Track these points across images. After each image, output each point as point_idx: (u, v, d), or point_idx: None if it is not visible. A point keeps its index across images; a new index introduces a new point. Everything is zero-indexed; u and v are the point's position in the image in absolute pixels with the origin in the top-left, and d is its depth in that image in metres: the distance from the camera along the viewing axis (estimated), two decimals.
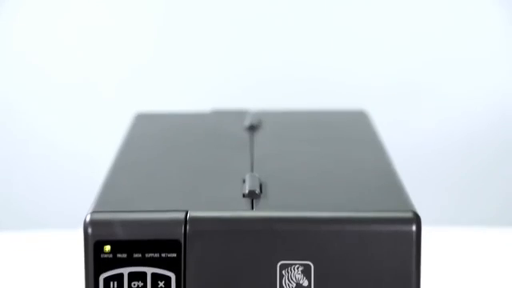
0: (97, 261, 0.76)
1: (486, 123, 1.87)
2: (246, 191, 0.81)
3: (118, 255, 0.76)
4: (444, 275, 1.30)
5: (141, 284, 0.76)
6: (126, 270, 0.76)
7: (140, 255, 0.76)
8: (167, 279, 0.76)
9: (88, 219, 0.76)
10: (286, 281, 0.76)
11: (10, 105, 1.87)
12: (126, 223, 0.76)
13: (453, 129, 1.87)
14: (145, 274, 0.76)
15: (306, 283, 0.76)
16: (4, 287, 1.28)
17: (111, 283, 0.76)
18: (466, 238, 1.44)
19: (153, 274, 0.76)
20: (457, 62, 1.84)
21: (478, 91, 1.86)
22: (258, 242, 0.76)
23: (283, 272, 0.76)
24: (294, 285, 0.76)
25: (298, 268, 0.76)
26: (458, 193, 1.89)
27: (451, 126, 1.88)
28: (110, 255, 0.76)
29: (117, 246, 0.76)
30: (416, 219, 0.76)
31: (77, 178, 1.86)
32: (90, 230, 0.76)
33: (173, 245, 0.76)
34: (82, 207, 0.83)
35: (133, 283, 0.76)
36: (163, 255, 0.76)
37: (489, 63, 1.84)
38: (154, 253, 0.76)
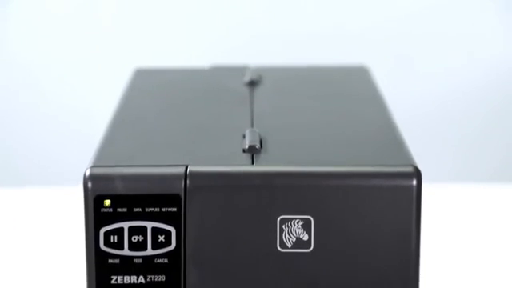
0: (97, 215, 0.76)
1: (486, 80, 1.87)
2: (246, 146, 0.81)
3: (118, 209, 0.76)
4: (444, 232, 1.30)
5: (141, 238, 0.76)
6: (126, 224, 0.76)
7: (140, 209, 0.76)
8: (167, 233, 0.76)
9: (88, 174, 0.76)
10: (286, 235, 0.76)
11: (9, 60, 1.86)
12: (125, 177, 0.76)
13: (454, 85, 1.87)
14: (145, 228, 0.76)
15: (306, 237, 0.76)
16: (5, 244, 1.29)
17: (111, 237, 0.76)
18: (466, 194, 1.45)
19: (153, 229, 0.76)
20: (459, 17, 1.83)
21: (480, 47, 1.85)
22: (258, 197, 0.76)
23: (283, 226, 0.76)
24: (294, 239, 0.77)
25: (297, 222, 0.76)
26: (458, 149, 1.89)
27: (452, 82, 1.87)
28: (110, 209, 0.76)
29: (117, 200, 0.76)
30: (416, 173, 0.76)
31: (76, 133, 1.86)
32: (89, 185, 0.76)
33: (173, 199, 0.76)
34: (83, 163, 0.83)
35: (133, 237, 0.76)
36: (163, 209, 0.76)
37: (491, 20, 1.83)
38: (154, 207, 0.76)
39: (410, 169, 0.76)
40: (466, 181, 1.67)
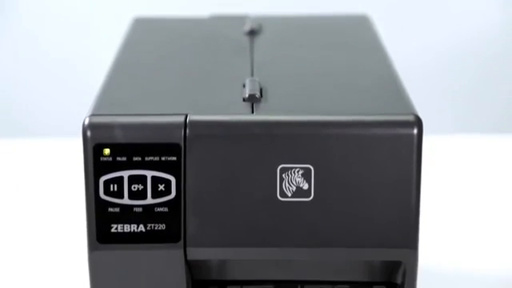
0: (96, 164, 0.75)
1: (486, 31, 1.85)
2: (246, 95, 0.81)
3: (118, 158, 0.75)
4: (444, 182, 1.30)
5: (141, 187, 0.76)
6: (125, 173, 0.76)
7: (140, 158, 0.75)
8: (167, 182, 0.76)
9: (87, 122, 0.76)
10: (286, 184, 0.76)
11: (8, 12, 1.84)
12: (125, 126, 0.75)
13: (454, 36, 1.86)
14: (145, 177, 0.76)
15: (306, 186, 0.76)
16: (6, 195, 1.29)
17: (111, 186, 0.76)
18: (466, 145, 1.45)
19: (153, 178, 0.76)
20: None
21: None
22: (258, 146, 0.76)
23: (283, 175, 0.76)
24: (294, 188, 0.76)
25: (298, 171, 0.76)
26: (458, 101, 1.88)
27: (453, 32, 1.86)
28: (110, 158, 0.75)
29: (116, 149, 0.75)
30: (417, 122, 0.75)
31: (75, 83, 1.85)
32: (89, 133, 0.75)
33: (172, 148, 0.75)
34: (82, 114, 0.82)
35: (133, 186, 0.76)
36: (163, 158, 0.76)
37: None
38: (154, 156, 0.76)
39: (410, 117, 0.76)
40: (466, 132, 1.67)
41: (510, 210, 1.24)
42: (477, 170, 1.36)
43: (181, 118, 0.76)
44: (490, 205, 1.25)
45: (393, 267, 0.80)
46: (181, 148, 0.75)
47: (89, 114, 0.77)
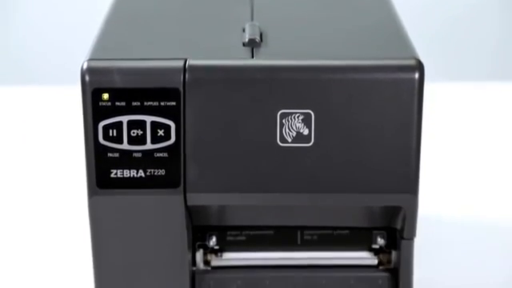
0: (95, 109, 0.75)
1: None
2: (246, 40, 0.80)
3: (117, 103, 0.75)
4: (444, 128, 1.30)
5: (140, 132, 0.75)
6: (125, 118, 0.75)
7: (139, 103, 0.75)
8: (167, 127, 0.75)
9: (85, 66, 0.75)
10: (287, 129, 0.76)
11: None
12: (123, 71, 0.75)
13: None
14: (144, 122, 0.75)
15: (306, 132, 0.76)
16: (6, 141, 1.29)
17: (110, 131, 0.75)
18: (466, 93, 1.44)
19: (152, 123, 0.75)
20: None
21: None
22: (258, 91, 0.75)
23: (283, 121, 0.76)
24: (295, 133, 0.76)
25: (298, 117, 0.76)
26: (458, 48, 1.87)
27: None
28: (109, 103, 0.75)
29: (115, 93, 0.75)
30: (419, 66, 0.75)
31: (74, 29, 1.84)
32: (87, 78, 0.75)
33: (172, 93, 0.75)
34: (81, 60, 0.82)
35: (132, 131, 0.75)
36: (162, 103, 0.75)
37: None
38: (153, 101, 0.75)
39: (412, 62, 0.75)
40: (465, 80, 1.66)
41: (510, 158, 1.24)
42: (475, 118, 1.35)
43: (180, 63, 0.75)
44: (489, 152, 1.25)
45: (393, 212, 0.80)
46: (180, 93, 0.75)
47: (87, 58, 0.76)
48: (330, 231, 0.82)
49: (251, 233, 0.82)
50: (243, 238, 0.82)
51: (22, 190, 1.15)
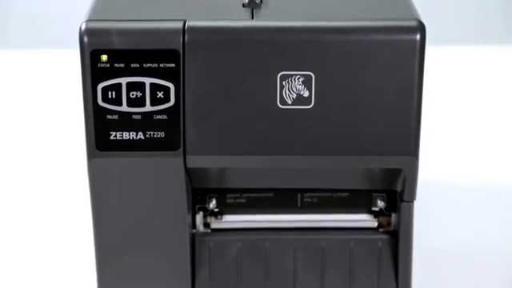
0: (94, 70, 0.74)
1: None
2: (246, 1, 0.79)
3: (116, 65, 0.74)
4: (444, 92, 1.30)
5: (139, 94, 0.75)
6: (123, 80, 0.75)
7: (138, 65, 0.74)
8: (166, 89, 0.75)
9: (83, 28, 0.74)
10: (287, 91, 0.75)
11: None
12: (122, 32, 0.74)
13: None
14: (143, 84, 0.75)
15: (306, 94, 0.75)
16: (6, 105, 1.28)
17: (109, 93, 0.75)
18: (463, 56, 1.43)
19: (151, 84, 0.75)
20: None
21: None
22: (258, 52, 0.74)
23: (283, 83, 0.75)
24: (295, 95, 0.75)
25: (298, 79, 0.75)
26: (461, 10, 1.86)
27: None
28: (108, 65, 0.74)
29: (114, 55, 0.74)
30: (421, 28, 0.74)
31: None
32: (85, 39, 0.74)
33: (171, 54, 0.74)
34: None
35: (131, 93, 0.75)
36: (161, 65, 0.74)
37: None
38: (152, 63, 0.74)
39: (414, 23, 0.74)
40: (465, 44, 1.65)
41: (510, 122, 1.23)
42: (476, 82, 1.35)
43: (179, 24, 0.75)
44: (491, 115, 1.25)
45: (393, 175, 0.80)
46: (179, 54, 0.74)
47: (85, 19, 0.75)
48: (330, 194, 0.82)
49: (251, 195, 0.82)
50: (243, 200, 0.82)
51: (22, 153, 1.15)
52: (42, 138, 1.19)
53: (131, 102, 0.75)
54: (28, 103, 1.28)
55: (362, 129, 0.76)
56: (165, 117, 0.76)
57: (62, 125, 1.21)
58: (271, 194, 0.82)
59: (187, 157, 0.77)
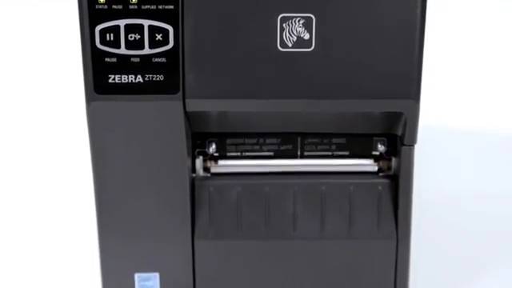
0: (91, 12, 0.73)
1: None
2: None
3: (114, 6, 0.73)
4: (448, 35, 1.29)
5: (138, 37, 0.74)
6: (122, 22, 0.74)
7: (136, 7, 0.73)
8: (165, 32, 0.74)
9: None
10: (287, 34, 0.75)
11: None
12: None
13: None
14: (142, 26, 0.74)
15: (307, 36, 0.75)
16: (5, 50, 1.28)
17: (107, 35, 0.74)
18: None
19: (150, 27, 0.74)
20: None
21: None
22: None
23: (284, 25, 0.74)
24: (295, 38, 0.75)
25: (299, 21, 0.74)
26: None
27: None
28: (105, 6, 0.73)
29: None
30: None
31: None
32: None
33: None
34: None
35: (130, 35, 0.74)
36: (160, 7, 0.74)
37: None
38: (151, 4, 0.73)
39: None
40: None
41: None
42: (480, 26, 1.34)
43: None
44: (494, 61, 1.24)
45: (394, 119, 0.79)
46: None
47: None
48: (330, 138, 0.82)
49: (251, 140, 0.82)
50: (243, 144, 0.82)
51: (22, 97, 1.14)
52: (41, 82, 1.19)
53: (130, 45, 0.74)
54: (26, 49, 1.27)
55: (363, 72, 0.75)
56: (164, 60, 0.75)
57: (61, 69, 1.20)
58: (271, 138, 0.82)
59: (186, 100, 0.76)
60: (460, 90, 1.18)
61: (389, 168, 0.83)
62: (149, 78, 0.75)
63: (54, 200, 1.00)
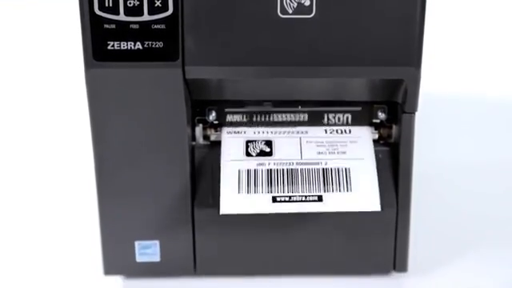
0: None
1: None
2: None
3: None
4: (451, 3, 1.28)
5: (137, 3, 0.74)
6: None
7: None
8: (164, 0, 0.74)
9: None
10: (287, 0, 0.74)
11: None
12: None
13: None
14: None
15: (307, 2, 0.74)
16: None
17: (106, 1, 0.73)
18: None
19: None
20: None
21: None
22: None
23: None
24: (295, 4, 0.74)
25: None
26: None
27: None
28: None
29: None
30: None
31: None
32: None
33: None
34: None
35: (129, 2, 0.74)
36: None
37: None
38: None
39: None
40: None
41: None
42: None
43: None
44: (495, 28, 1.23)
45: (394, 86, 0.79)
46: None
47: None
48: (330, 106, 0.82)
49: (251, 108, 0.82)
50: (243, 112, 0.82)
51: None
52: (40, 48, 1.18)
53: (128, 11, 0.74)
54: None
55: (364, 39, 0.75)
56: (163, 26, 0.74)
57: (59, 35, 1.19)
58: (271, 106, 0.82)
59: (186, 67, 0.76)
60: (464, 57, 1.17)
61: (389, 136, 0.82)
62: (148, 44, 0.75)
63: (54, 168, 1.00)
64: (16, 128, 1.04)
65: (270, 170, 0.78)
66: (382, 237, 0.82)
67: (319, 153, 0.79)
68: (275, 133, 0.80)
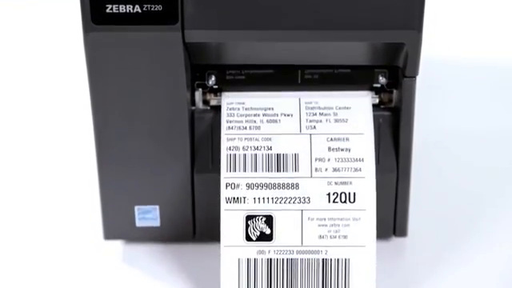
0: None
1: None
2: None
3: None
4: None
5: None
6: None
7: None
8: None
9: None
10: None
11: None
12: None
13: None
14: None
15: None
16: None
17: None
18: None
19: None
20: None
21: None
22: None
23: None
24: None
25: None
26: None
27: None
28: None
29: None
30: None
31: None
32: None
33: None
34: None
35: None
36: None
37: None
38: None
39: None
40: None
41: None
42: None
43: None
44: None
45: (395, 50, 0.78)
46: None
47: None
48: (330, 70, 0.81)
49: (251, 72, 0.81)
50: (243, 77, 0.81)
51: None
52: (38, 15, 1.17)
53: None
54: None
55: (365, 2, 0.74)
56: None
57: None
58: (271, 71, 0.81)
59: (185, 31, 0.75)
60: (466, 21, 1.16)
61: (390, 101, 0.82)
62: (147, 7, 0.74)
63: (53, 135, 1.00)
64: (17, 102, 1.04)
65: (270, 260, 0.77)
66: (382, 202, 0.81)
67: (320, 237, 0.78)
68: (276, 201, 0.78)
